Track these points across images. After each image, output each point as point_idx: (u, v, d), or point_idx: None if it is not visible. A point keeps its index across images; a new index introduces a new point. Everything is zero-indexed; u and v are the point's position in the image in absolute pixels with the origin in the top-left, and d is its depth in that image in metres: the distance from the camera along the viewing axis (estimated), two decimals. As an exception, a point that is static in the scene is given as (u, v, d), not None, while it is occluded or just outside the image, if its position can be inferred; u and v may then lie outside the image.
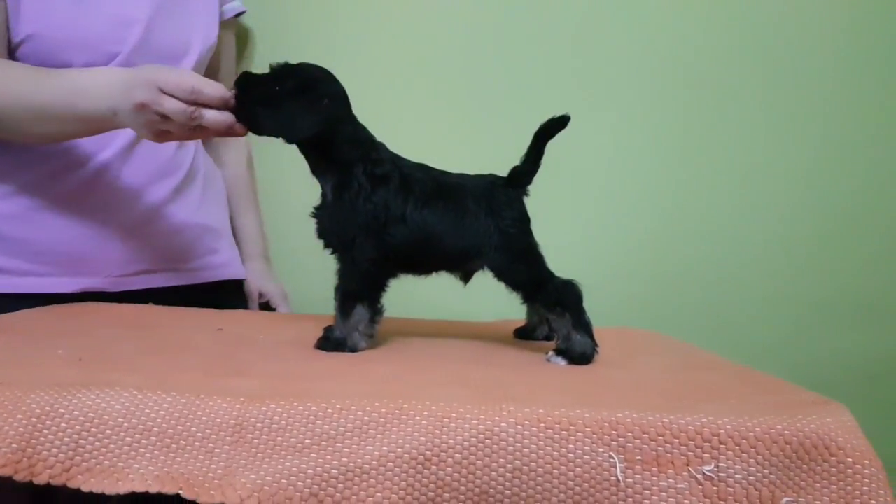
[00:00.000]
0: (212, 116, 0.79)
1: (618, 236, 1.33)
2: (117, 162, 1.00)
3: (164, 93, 0.79)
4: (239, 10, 1.19)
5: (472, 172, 0.85)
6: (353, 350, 0.78)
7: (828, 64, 1.28)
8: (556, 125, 0.81)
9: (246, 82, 0.80)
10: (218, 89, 0.80)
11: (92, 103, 0.85)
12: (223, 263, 1.17)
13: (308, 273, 1.27)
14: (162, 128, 0.82)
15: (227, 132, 0.81)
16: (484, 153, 1.14)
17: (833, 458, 0.54)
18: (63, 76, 0.88)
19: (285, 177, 1.27)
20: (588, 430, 0.55)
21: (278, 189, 1.32)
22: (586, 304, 0.79)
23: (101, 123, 0.87)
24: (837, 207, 1.30)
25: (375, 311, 0.80)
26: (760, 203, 1.31)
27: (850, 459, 0.54)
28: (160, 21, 1.03)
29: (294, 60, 0.80)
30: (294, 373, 0.67)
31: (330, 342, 0.78)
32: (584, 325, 0.78)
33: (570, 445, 0.54)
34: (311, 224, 0.82)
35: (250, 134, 0.82)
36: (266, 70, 0.79)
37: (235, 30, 1.24)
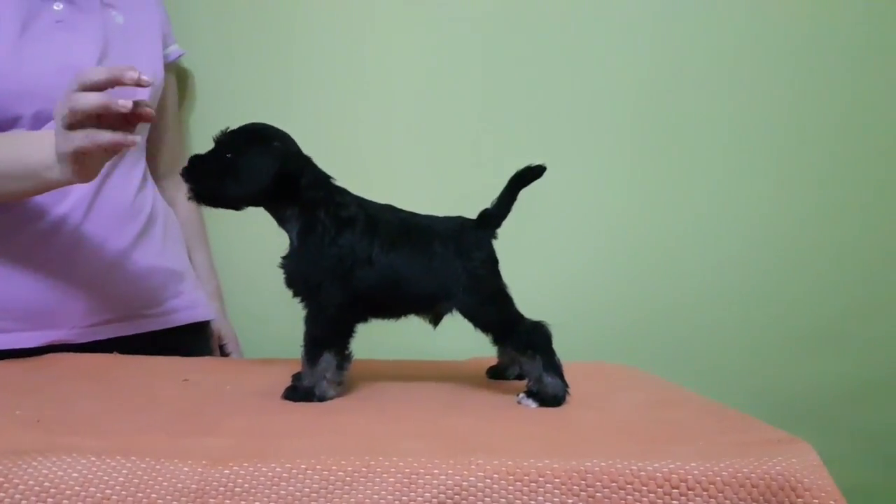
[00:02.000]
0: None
1: (595, 270, 1.33)
2: (76, 212, 0.99)
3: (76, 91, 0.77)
4: (179, 53, 1.20)
5: (444, 213, 0.85)
6: (322, 399, 0.77)
7: (822, 90, 1.30)
8: (531, 174, 0.81)
9: (196, 163, 0.80)
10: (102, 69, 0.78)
11: (36, 150, 0.83)
12: (187, 306, 1.15)
13: (270, 316, 1.26)
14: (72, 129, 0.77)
15: (135, 112, 0.78)
16: (459, 191, 1.15)
17: (800, 501, 0.55)
18: (12, 134, 0.87)
19: (246, 217, 1.27)
20: (557, 480, 0.55)
21: (239, 228, 1.30)
22: (563, 339, 0.80)
23: (42, 173, 0.84)
24: (804, 236, 1.32)
25: (343, 357, 0.79)
26: (731, 232, 1.32)
27: (816, 501, 0.55)
28: (107, 66, 1.01)
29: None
30: (260, 428, 0.66)
31: (298, 392, 0.77)
32: (554, 367, 0.78)
33: (540, 498, 0.54)
34: (276, 266, 0.81)
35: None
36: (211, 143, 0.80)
37: (176, 72, 1.25)
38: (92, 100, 0.75)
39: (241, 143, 0.78)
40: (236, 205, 0.81)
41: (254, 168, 0.77)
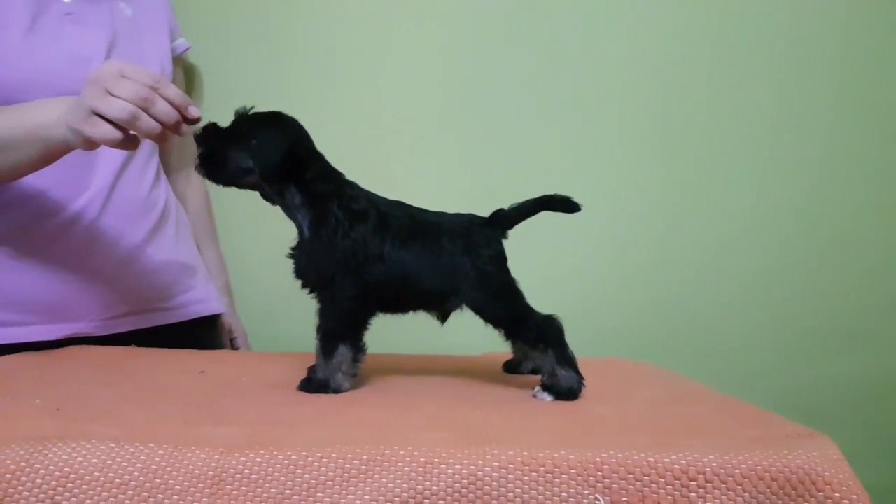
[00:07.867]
0: (163, 106, 0.77)
1: (607, 265, 1.33)
2: (92, 207, 1.00)
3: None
4: (186, 47, 1.22)
5: (450, 206, 0.86)
6: (337, 391, 0.77)
7: (815, 91, 1.31)
8: (562, 205, 0.82)
9: (211, 128, 0.80)
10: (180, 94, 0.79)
11: (45, 112, 0.83)
12: (201, 299, 1.16)
13: (277, 311, 1.28)
14: (105, 100, 0.76)
15: (174, 127, 0.79)
16: (466, 182, 1.14)
17: (820, 494, 0.54)
18: (24, 104, 0.87)
19: (255, 213, 1.27)
20: (573, 471, 0.54)
21: (248, 224, 1.32)
22: (575, 334, 0.79)
23: (41, 133, 0.83)
24: (824, 235, 1.31)
25: (358, 349, 0.79)
26: (748, 231, 1.32)
27: (837, 494, 0.54)
28: (116, 58, 1.02)
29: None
30: (276, 418, 0.66)
31: (312, 384, 0.78)
32: (568, 360, 0.77)
33: (556, 488, 0.54)
34: (284, 261, 0.82)
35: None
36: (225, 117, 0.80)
37: (182, 66, 1.27)
38: (168, 112, 0.77)
39: (259, 121, 0.79)
40: (240, 178, 0.79)
41: (266, 143, 0.77)
